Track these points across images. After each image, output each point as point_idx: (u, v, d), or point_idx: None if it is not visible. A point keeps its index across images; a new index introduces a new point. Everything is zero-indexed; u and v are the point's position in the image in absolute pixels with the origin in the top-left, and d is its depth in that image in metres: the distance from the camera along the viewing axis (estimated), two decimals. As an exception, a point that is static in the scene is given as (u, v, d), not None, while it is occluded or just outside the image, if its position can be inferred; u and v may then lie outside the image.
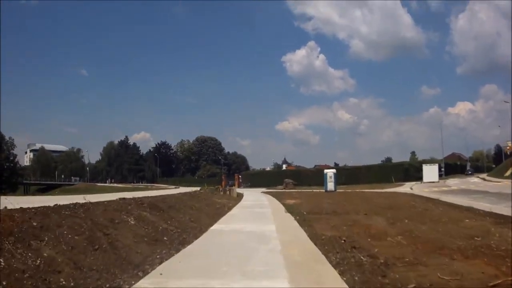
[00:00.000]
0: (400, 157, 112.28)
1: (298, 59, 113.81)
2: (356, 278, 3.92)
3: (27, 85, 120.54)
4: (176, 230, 7.04)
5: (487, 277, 3.89)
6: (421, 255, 4.95)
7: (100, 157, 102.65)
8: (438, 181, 36.99)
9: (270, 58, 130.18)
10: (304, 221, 8.87)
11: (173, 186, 45.44)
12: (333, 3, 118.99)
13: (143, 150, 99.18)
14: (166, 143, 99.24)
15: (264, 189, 37.76)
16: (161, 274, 4.07)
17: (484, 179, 39.76)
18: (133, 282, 3.75)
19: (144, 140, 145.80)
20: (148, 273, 4.12)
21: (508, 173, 37.56)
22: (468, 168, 61.21)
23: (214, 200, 15.46)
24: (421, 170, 40.98)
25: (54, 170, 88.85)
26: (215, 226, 8.38)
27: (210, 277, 3.94)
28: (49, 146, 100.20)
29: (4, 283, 3.12)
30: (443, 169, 48.23)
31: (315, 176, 45.65)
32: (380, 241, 6.10)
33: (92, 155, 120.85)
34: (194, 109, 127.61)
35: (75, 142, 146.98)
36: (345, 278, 3.88)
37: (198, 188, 25.76)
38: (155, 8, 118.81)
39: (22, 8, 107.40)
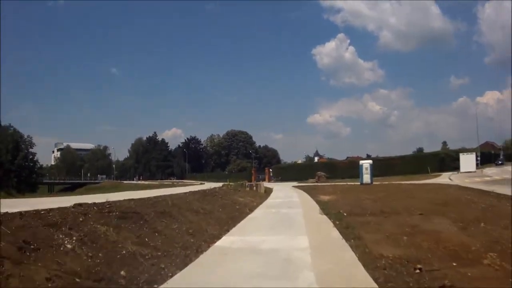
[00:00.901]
0: (430, 147, 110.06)
1: (327, 52, 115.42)
2: None
3: (56, 84, 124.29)
4: (151, 255, 4.74)
5: None
6: None
7: (128, 154, 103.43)
8: (475, 171, 35.04)
9: (300, 52, 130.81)
10: (347, 229, 6.95)
11: (199, 182, 44.68)
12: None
13: (174, 146, 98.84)
14: (196, 138, 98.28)
15: (295, 183, 36.18)
16: None
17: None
18: None
19: (175, 136, 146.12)
20: None
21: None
22: (501, 157, 57.01)
23: (235, 199, 13.65)
24: (457, 160, 38.78)
25: (80, 169, 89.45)
26: (223, 240, 6.30)
27: None
28: (75, 145, 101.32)
29: None
30: (479, 158, 44.80)
31: (348, 168, 44.06)
32: (474, 266, 4.20)
33: (122, 153, 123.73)
34: (226, 105, 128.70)
35: (106, 141, 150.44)
36: None
37: (221, 184, 24.59)
38: (186, 3, 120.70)
39: (51, 7, 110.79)
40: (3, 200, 10.86)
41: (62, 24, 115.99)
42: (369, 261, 4.55)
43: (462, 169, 36.31)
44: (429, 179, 30.81)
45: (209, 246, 5.72)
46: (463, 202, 11.29)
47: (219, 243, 6.07)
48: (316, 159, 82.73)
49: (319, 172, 42.53)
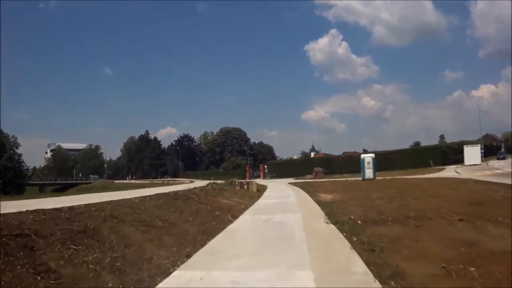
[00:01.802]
0: (427, 141, 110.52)
1: (320, 48, 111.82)
2: None
3: (51, 86, 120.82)
4: None
5: None
6: None
7: (120, 154, 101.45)
8: (480, 164, 33.76)
9: (293, 48, 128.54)
10: (373, 252, 4.51)
11: (188, 181, 42.26)
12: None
13: (169, 145, 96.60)
14: (189, 135, 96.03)
15: (291, 180, 33.88)
16: None
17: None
18: None
19: (170, 135, 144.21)
20: None
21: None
22: (502, 149, 55.21)
23: (217, 201, 11.25)
24: (459, 153, 37.47)
25: (72, 169, 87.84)
26: (170, 281, 3.80)
27: None
28: (67, 145, 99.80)
29: None
30: (483, 151, 43.13)
31: (346, 163, 42.90)
32: None
33: (114, 152, 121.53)
34: (219, 102, 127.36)
35: (100, 141, 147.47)
36: None
37: (219, 182, 22.31)
38: (177, 3, 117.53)
39: (42, 8, 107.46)
40: None
41: (55, 24, 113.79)
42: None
43: (466, 162, 34.72)
44: (433, 173, 29.11)
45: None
46: (499, 201, 9.18)
47: (161, 288, 3.49)
48: (312, 154, 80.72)
49: (316, 168, 40.21)
